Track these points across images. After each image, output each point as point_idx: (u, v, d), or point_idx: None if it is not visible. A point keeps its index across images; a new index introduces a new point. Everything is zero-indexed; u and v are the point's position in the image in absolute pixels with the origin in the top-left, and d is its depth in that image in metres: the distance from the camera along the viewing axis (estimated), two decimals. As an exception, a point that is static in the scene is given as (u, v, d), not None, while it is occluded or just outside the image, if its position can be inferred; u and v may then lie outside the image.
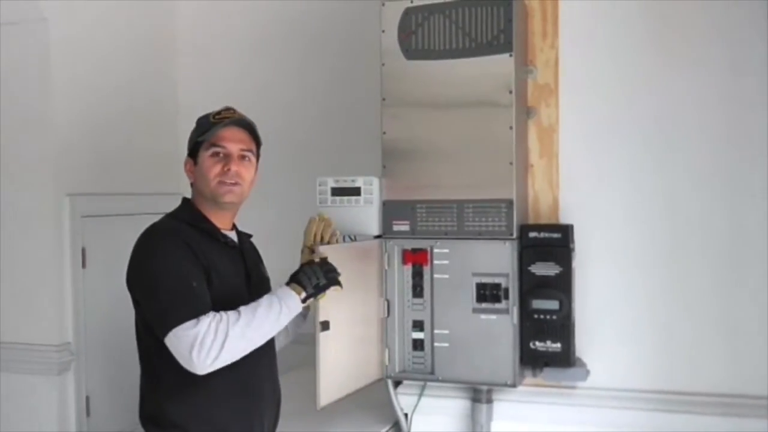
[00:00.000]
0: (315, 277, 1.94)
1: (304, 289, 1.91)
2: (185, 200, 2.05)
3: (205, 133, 1.95)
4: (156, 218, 2.00)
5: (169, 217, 2.01)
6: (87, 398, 3.20)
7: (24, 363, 3.10)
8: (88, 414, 3.20)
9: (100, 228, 3.27)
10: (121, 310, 3.30)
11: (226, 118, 1.97)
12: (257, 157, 2.05)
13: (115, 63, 3.45)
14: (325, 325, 2.11)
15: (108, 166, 3.40)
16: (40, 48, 3.08)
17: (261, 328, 1.83)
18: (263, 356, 1.97)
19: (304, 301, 1.91)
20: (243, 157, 1.98)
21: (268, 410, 2.05)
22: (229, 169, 1.94)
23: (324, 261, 1.99)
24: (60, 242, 3.12)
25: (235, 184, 1.95)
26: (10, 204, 3.12)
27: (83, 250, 3.20)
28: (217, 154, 1.95)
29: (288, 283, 1.93)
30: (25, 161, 3.11)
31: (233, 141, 1.96)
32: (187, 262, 1.84)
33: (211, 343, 1.74)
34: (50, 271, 3.11)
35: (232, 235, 2.06)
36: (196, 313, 1.77)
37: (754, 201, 2.34)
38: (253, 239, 2.18)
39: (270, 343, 2.00)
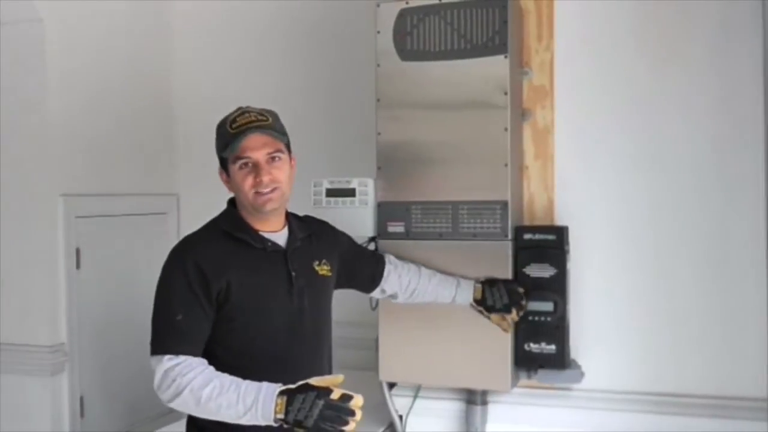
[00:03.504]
0: (306, 411, 1.66)
1: (287, 414, 1.67)
2: (229, 203, 2.01)
3: (226, 147, 1.88)
4: (149, 219, 1.98)
5: (208, 224, 1.99)
6: (81, 399, 3.19)
7: (17, 364, 3.09)
8: (82, 415, 3.19)
9: (94, 228, 3.26)
10: (114, 310, 3.31)
11: (243, 125, 1.88)
12: (288, 147, 1.96)
13: (110, 64, 3.45)
14: None
15: (102, 167, 3.40)
16: (36, 48, 3.07)
17: (218, 411, 1.75)
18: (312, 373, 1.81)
19: (278, 421, 1.69)
20: (273, 159, 1.90)
21: None
22: (261, 180, 1.87)
23: (343, 398, 1.67)
24: (54, 243, 3.11)
25: (273, 190, 1.89)
26: (4, 204, 3.12)
27: (77, 251, 3.19)
28: (246, 165, 1.89)
29: (282, 393, 1.70)
30: (20, 161, 3.10)
31: (257, 149, 1.88)
32: (181, 291, 1.83)
33: (166, 388, 1.77)
34: (44, 271, 3.10)
35: (278, 237, 1.98)
36: (166, 349, 1.80)
37: (747, 202, 2.33)
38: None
39: (321, 364, 1.99)
